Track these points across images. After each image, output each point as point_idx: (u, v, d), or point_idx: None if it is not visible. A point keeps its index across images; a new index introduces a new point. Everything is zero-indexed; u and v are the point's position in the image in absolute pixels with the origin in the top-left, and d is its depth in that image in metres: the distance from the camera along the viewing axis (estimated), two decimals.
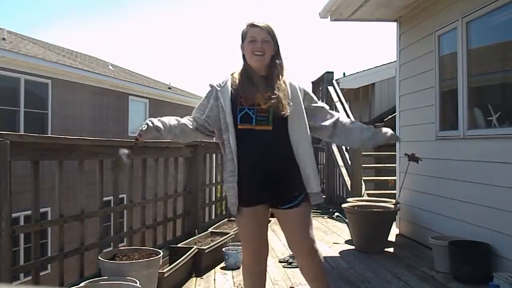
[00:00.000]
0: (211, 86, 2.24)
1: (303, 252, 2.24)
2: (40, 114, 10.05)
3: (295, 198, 2.15)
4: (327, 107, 2.35)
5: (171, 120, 2.16)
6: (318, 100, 2.37)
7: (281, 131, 2.14)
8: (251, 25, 2.18)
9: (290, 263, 3.85)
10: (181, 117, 2.27)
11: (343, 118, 2.30)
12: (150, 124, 2.03)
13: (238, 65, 2.27)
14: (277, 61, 2.20)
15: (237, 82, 2.19)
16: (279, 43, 2.21)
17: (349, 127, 2.25)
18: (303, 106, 2.19)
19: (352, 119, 2.35)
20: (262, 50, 2.14)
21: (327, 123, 2.25)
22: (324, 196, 2.35)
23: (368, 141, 2.24)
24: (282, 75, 2.19)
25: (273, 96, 2.11)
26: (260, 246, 2.29)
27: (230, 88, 2.17)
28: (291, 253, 4.11)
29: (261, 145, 2.13)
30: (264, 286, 2.36)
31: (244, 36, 2.21)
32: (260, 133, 2.12)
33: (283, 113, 2.11)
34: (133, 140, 2.11)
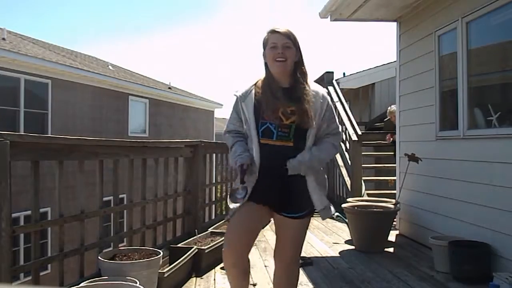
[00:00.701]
0: (235, 96, 2.18)
1: (285, 261, 2.23)
2: (40, 114, 10.05)
3: (300, 211, 2.15)
4: (336, 128, 2.24)
5: (244, 145, 2.16)
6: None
7: (301, 144, 2.10)
8: (272, 31, 2.14)
9: None
10: (231, 135, 2.24)
11: (325, 145, 2.18)
12: (246, 162, 2.06)
13: (262, 73, 2.21)
14: (301, 67, 2.15)
15: (260, 93, 2.12)
16: (301, 49, 2.16)
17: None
18: (321, 116, 2.12)
19: (328, 150, 2.24)
20: (283, 56, 2.08)
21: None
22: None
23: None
24: (307, 84, 2.13)
25: (296, 111, 2.05)
26: (246, 244, 2.16)
27: (254, 99, 2.11)
28: None
29: (279, 158, 2.08)
30: (247, 280, 2.24)
31: (265, 43, 2.16)
32: (280, 147, 2.08)
33: (307, 127, 2.07)
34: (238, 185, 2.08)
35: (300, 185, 2.13)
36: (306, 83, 2.14)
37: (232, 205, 2.12)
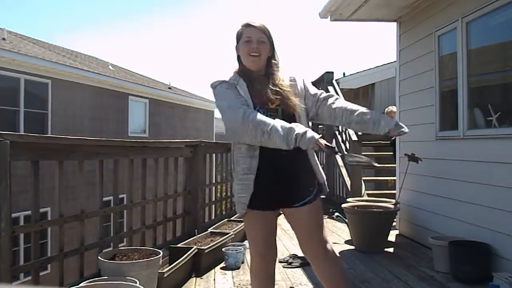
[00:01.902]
0: (227, 82, 2.08)
1: (320, 254, 2.09)
2: (40, 114, 10.05)
3: (310, 192, 2.07)
4: (323, 92, 2.22)
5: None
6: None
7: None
8: (246, 25, 2.10)
9: (290, 263, 3.85)
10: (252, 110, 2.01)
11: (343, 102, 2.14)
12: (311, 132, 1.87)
13: (235, 66, 2.17)
14: (273, 61, 2.13)
15: (246, 82, 2.08)
16: (274, 43, 2.13)
17: (354, 110, 2.07)
18: (304, 97, 2.11)
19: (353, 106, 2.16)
20: (258, 50, 2.05)
21: (332, 104, 2.12)
22: (324, 197, 2.26)
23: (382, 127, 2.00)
24: (277, 72, 2.10)
25: (277, 96, 2.02)
26: (267, 251, 2.15)
27: (246, 85, 2.06)
28: (291, 253, 4.11)
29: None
30: None
31: (239, 36, 2.12)
32: None
33: (292, 111, 2.03)
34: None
35: (300, 163, 2.07)
36: (277, 71, 2.11)
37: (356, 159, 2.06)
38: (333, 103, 2.13)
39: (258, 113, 1.93)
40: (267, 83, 2.07)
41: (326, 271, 2.12)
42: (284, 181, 2.05)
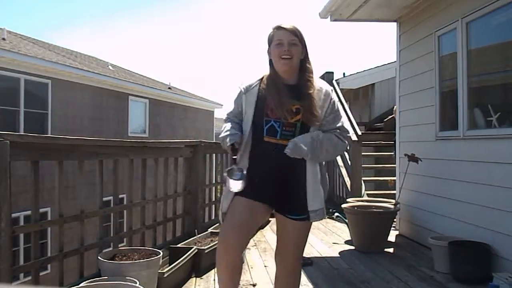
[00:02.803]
0: (239, 88, 2.14)
1: (288, 265, 2.21)
2: (40, 114, 10.05)
3: (305, 212, 2.07)
4: (340, 122, 2.17)
5: (236, 126, 2.10)
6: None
7: None
8: (278, 28, 2.08)
9: None
10: (227, 120, 2.19)
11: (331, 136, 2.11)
12: (237, 141, 2.01)
13: (266, 70, 2.15)
14: (307, 65, 2.10)
15: (265, 90, 2.07)
16: (307, 45, 2.11)
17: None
18: (324, 112, 2.08)
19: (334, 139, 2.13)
20: (289, 53, 2.03)
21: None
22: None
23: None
24: (313, 81, 2.07)
25: (301, 109, 2.01)
26: (232, 240, 2.04)
27: (257, 95, 2.07)
28: None
29: (280, 157, 2.00)
30: (239, 280, 2.21)
31: (270, 40, 2.10)
32: (281, 147, 2.00)
33: (311, 124, 2.03)
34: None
35: (299, 179, 2.05)
36: (312, 79, 2.09)
37: (231, 185, 2.01)
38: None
39: (229, 122, 2.11)
40: (291, 95, 2.03)
41: (283, 282, 2.26)
42: (275, 184, 2.07)
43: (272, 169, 2.06)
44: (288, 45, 2.04)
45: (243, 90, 2.12)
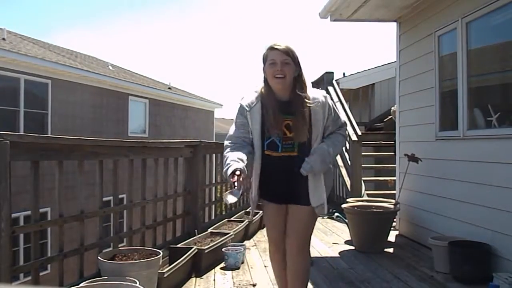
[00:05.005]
0: (241, 104, 2.28)
1: (293, 248, 2.33)
2: (40, 114, 10.05)
3: (309, 204, 2.28)
4: (341, 123, 2.38)
5: (242, 157, 2.17)
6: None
7: (306, 152, 2.23)
8: (271, 48, 2.22)
9: None
10: (229, 142, 2.28)
11: (334, 138, 2.32)
12: (239, 170, 2.08)
13: (261, 82, 2.31)
14: (301, 81, 2.24)
15: (264, 107, 2.23)
16: (300, 63, 2.24)
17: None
18: (324, 121, 2.24)
19: (333, 143, 2.36)
20: (282, 72, 2.17)
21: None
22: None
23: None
24: (307, 95, 2.21)
25: (292, 125, 2.19)
26: (280, 240, 2.39)
27: (260, 112, 2.22)
28: None
29: (286, 166, 2.24)
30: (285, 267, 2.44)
31: (264, 59, 2.25)
32: (286, 158, 2.23)
33: (301, 140, 2.20)
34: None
35: (302, 178, 2.25)
36: (305, 95, 2.22)
37: (229, 200, 2.14)
38: (322, 140, 2.28)
39: (229, 149, 2.21)
40: (286, 111, 2.21)
41: (291, 265, 2.38)
42: (286, 185, 2.29)
43: (281, 175, 2.28)
44: (281, 65, 2.18)
45: (246, 106, 2.25)
